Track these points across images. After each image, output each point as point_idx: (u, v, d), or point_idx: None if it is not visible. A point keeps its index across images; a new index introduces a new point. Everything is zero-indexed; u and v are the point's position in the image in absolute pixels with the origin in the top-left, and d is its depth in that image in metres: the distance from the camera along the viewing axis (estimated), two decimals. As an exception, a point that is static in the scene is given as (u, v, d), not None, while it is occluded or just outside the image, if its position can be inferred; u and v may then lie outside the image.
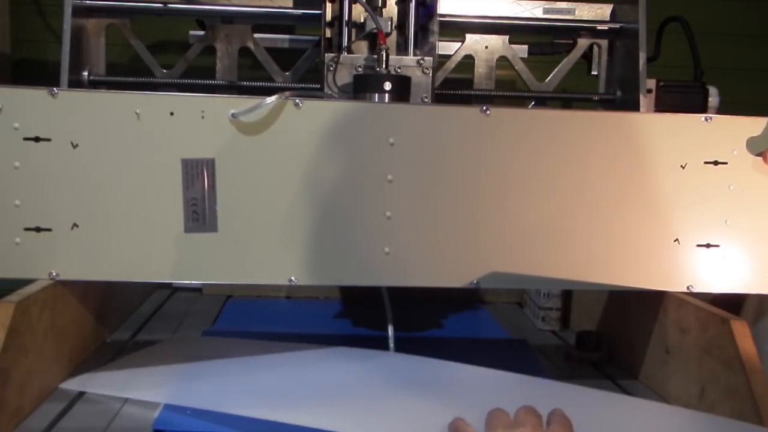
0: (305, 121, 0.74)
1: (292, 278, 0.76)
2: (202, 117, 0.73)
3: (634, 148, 0.78)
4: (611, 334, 0.96)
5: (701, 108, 1.08)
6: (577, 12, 1.10)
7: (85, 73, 1.02)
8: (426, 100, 0.92)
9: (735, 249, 0.80)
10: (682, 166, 0.78)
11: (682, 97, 1.08)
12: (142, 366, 0.81)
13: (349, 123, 0.75)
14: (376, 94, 0.87)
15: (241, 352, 0.83)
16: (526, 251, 0.78)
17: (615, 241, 0.79)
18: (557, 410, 0.60)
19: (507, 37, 1.10)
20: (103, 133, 0.72)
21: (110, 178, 0.73)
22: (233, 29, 1.07)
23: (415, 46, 0.95)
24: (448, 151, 0.76)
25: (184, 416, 0.69)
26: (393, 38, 0.96)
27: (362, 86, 0.89)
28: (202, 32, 1.08)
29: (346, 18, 0.93)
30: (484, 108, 0.76)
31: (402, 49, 0.96)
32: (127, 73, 1.09)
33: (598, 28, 1.10)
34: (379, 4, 0.94)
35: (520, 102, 1.14)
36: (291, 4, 1.05)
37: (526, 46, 1.13)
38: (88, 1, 1.02)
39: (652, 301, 0.85)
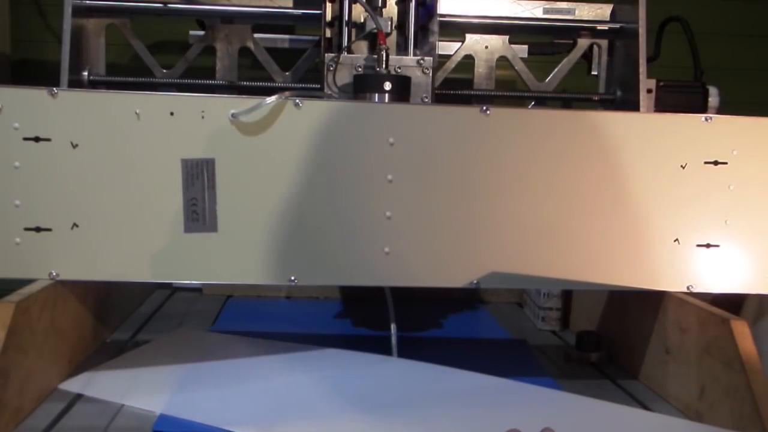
0: (305, 121, 0.74)
1: (292, 278, 0.76)
2: (202, 117, 0.73)
3: (634, 147, 0.78)
4: (611, 334, 0.96)
5: (701, 108, 1.08)
6: (577, 12, 1.10)
7: (85, 73, 1.02)
8: (426, 100, 0.92)
9: (735, 249, 0.80)
10: (682, 166, 0.78)
11: (682, 97, 1.08)
12: (143, 366, 0.81)
13: (349, 123, 0.75)
14: (376, 94, 0.87)
15: (241, 353, 0.83)
16: (526, 251, 0.78)
17: (615, 241, 0.79)
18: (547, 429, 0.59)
19: (507, 37, 1.10)
20: (103, 133, 0.72)
21: (110, 178, 0.73)
22: (233, 29, 1.07)
23: (415, 46, 0.95)
24: (448, 151, 0.76)
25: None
26: (393, 38, 0.97)
27: (362, 86, 0.89)
28: (202, 32, 1.08)
29: (346, 18, 0.93)
30: (484, 108, 0.76)
31: (402, 49, 0.96)
32: (127, 73, 1.09)
33: (598, 28, 1.10)
34: (379, 4, 0.95)
35: (520, 102, 1.15)
36: (291, 4, 1.05)
37: (526, 46, 1.13)
38: (88, 1, 1.02)
39: (651, 301, 0.85)
